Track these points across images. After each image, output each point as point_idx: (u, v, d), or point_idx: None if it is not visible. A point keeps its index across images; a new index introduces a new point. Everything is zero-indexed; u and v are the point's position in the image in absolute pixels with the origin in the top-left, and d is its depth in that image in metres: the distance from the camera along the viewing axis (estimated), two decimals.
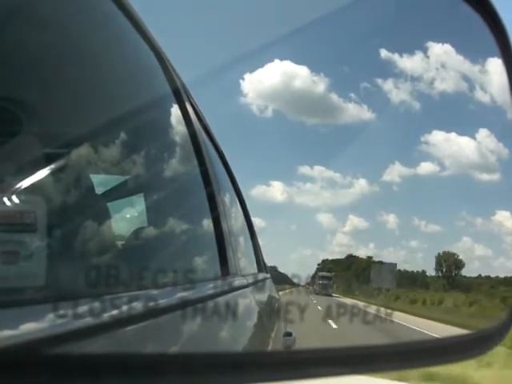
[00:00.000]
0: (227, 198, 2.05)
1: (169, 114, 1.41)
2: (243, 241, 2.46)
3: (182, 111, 1.46)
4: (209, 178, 1.54)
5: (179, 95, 1.49)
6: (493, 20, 1.27)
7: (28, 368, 0.47)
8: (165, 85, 1.40)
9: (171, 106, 1.42)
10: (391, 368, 0.94)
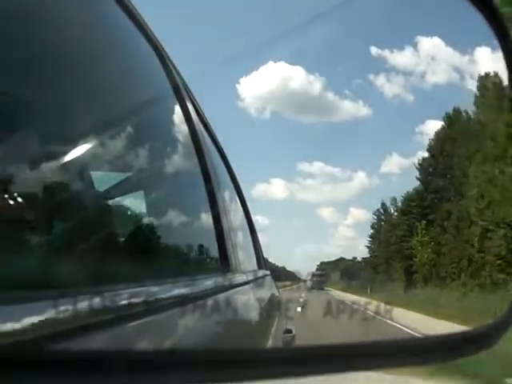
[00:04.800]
0: (227, 195, 2.05)
1: (170, 112, 1.41)
2: (243, 238, 2.46)
3: (182, 110, 1.46)
4: (209, 176, 1.54)
5: (180, 94, 1.49)
6: (488, 8, 1.27)
7: (29, 364, 0.47)
8: (166, 83, 1.40)
9: (172, 105, 1.42)
10: (391, 365, 0.94)
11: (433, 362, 1.01)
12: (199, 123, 1.66)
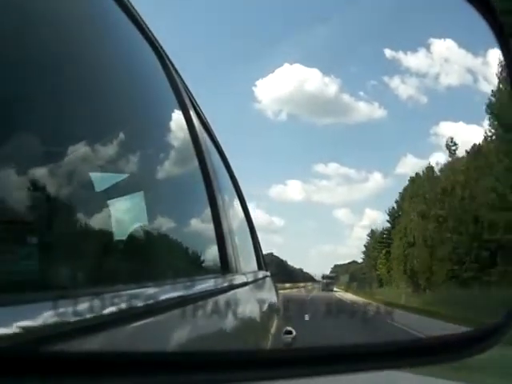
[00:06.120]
0: (227, 196, 2.05)
1: (170, 113, 1.41)
2: (243, 239, 2.46)
3: (183, 111, 1.47)
4: (209, 177, 1.54)
5: (181, 96, 1.49)
6: (488, 10, 1.27)
7: (29, 366, 0.47)
8: (166, 85, 1.40)
9: (172, 107, 1.42)
10: (392, 366, 0.94)
11: (434, 362, 1.00)
12: (199, 125, 1.66)
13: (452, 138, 33.02)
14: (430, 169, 34.97)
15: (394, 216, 43.62)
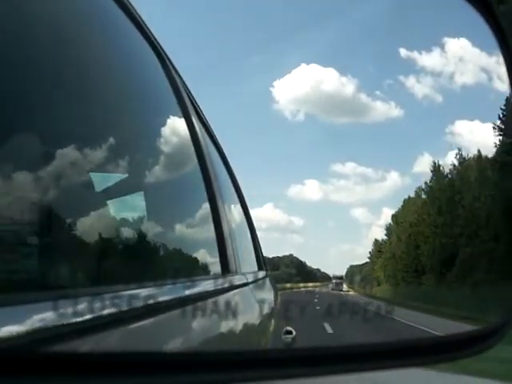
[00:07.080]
0: (228, 196, 2.05)
1: (171, 114, 1.41)
2: (244, 239, 2.46)
3: (183, 112, 1.47)
4: (209, 177, 1.54)
5: (181, 96, 1.49)
6: (488, 12, 1.27)
7: (29, 366, 0.47)
8: (166, 85, 1.40)
9: (173, 107, 1.42)
10: (392, 366, 0.94)
11: (434, 362, 1.01)
12: (200, 125, 1.66)
13: (421, 186, 44.00)
14: (418, 195, 43.22)
15: (389, 231, 52.26)
